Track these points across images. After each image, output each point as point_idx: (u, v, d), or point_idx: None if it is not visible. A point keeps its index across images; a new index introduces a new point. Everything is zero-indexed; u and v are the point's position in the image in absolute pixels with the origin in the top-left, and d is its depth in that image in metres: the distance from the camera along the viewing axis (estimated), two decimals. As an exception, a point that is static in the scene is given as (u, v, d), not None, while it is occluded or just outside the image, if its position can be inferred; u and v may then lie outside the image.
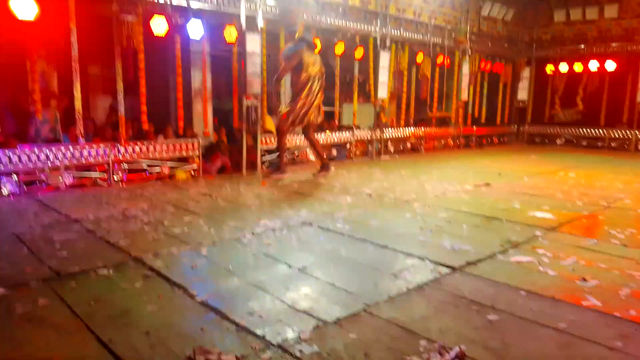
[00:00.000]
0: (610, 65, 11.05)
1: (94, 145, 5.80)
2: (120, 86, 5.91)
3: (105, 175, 5.85)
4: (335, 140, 8.63)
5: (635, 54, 10.82)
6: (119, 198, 5.16)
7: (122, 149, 5.94)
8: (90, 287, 2.74)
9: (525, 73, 12.57)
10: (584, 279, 2.89)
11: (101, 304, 2.50)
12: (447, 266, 3.12)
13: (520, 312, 2.44)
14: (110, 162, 5.84)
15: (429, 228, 4.08)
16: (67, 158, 5.53)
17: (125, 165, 6.00)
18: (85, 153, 5.68)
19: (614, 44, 11.15)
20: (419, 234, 3.92)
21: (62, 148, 5.54)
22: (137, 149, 6.08)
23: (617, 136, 11.39)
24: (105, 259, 3.15)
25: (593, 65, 11.29)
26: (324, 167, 6.67)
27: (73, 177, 5.62)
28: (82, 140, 5.70)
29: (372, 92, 9.06)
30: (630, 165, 8.54)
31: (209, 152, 7.15)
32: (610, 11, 11.04)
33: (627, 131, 11.17)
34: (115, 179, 5.91)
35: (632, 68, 10.92)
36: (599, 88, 11.70)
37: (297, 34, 6.51)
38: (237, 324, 2.28)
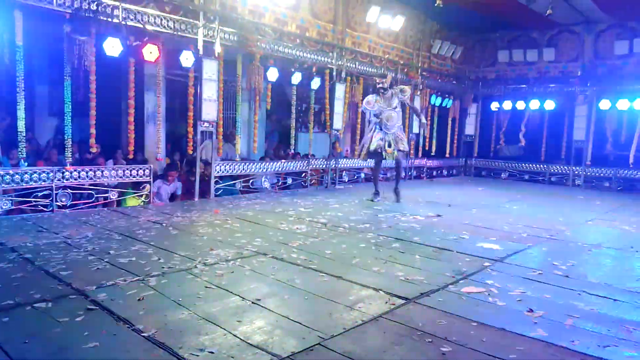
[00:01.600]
0: (549, 105, 11.85)
1: (37, 169, 5.50)
2: (68, 108, 5.67)
3: (47, 201, 5.53)
4: (291, 169, 8.65)
5: (571, 94, 11.66)
6: (62, 225, 4.89)
7: (67, 173, 5.67)
8: (25, 322, 2.54)
9: (472, 109, 13.22)
10: (531, 310, 2.99)
11: (37, 341, 2.32)
12: (401, 297, 3.14)
13: (472, 344, 2.48)
14: (54, 186, 5.55)
15: (383, 258, 4.12)
16: (5, 182, 5.20)
17: (70, 191, 5.71)
18: (27, 176, 5.36)
19: (552, 85, 11.99)
20: (373, 264, 3.94)
21: (1, 171, 5.21)
22: (83, 173, 5.81)
23: (556, 171, 12.11)
24: (43, 291, 2.95)
25: (534, 103, 12.05)
26: (376, 194, 7.59)
27: (12, 201, 5.28)
28: (23, 163, 5.39)
29: (328, 122, 9.21)
30: (569, 199, 9.07)
31: (165, 170, 6.97)
32: (548, 54, 11.91)
33: (565, 167, 11.91)
34: (59, 205, 5.60)
35: (568, 108, 11.75)
36: (540, 126, 12.46)
37: (384, 84, 7.27)
38: (186, 361, 2.17)
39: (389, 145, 7.09)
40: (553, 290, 3.43)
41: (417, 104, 11.22)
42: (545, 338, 2.58)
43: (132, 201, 6.32)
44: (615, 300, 3.28)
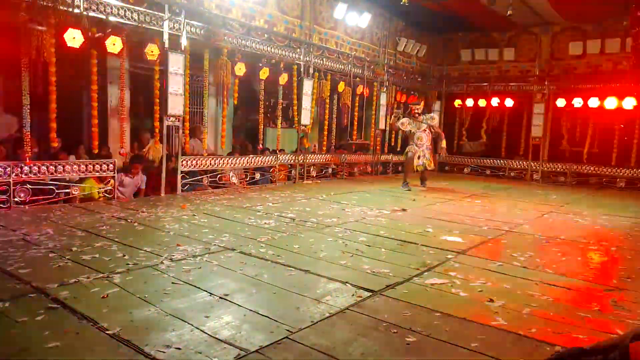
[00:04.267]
0: (509, 102, 12.26)
1: (-8, 163, 5.27)
2: (26, 100, 5.44)
3: (4, 197, 5.31)
4: (259, 164, 8.61)
5: (529, 93, 12.11)
6: (20, 221, 4.71)
7: (26, 168, 5.46)
8: (-18, 322, 2.45)
9: (436, 106, 13.51)
10: (491, 300, 3.12)
11: (-6, 342, 2.24)
12: (368, 290, 3.21)
13: (436, 334, 2.56)
14: (11, 182, 5.33)
15: (349, 252, 4.18)
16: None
17: (29, 186, 5.50)
18: (-20, 171, 5.14)
19: (512, 84, 12.41)
20: (341, 257, 4.00)
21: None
22: (43, 168, 5.61)
23: (515, 167, 12.56)
24: (1, 291, 2.84)
25: (495, 101, 12.44)
26: (405, 184, 8.96)
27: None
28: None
29: (296, 118, 9.21)
30: (527, 193, 9.44)
31: (131, 162, 6.81)
32: (508, 54, 12.33)
33: (524, 162, 12.37)
34: (17, 201, 5.39)
35: (527, 106, 12.20)
36: (500, 122, 12.88)
37: (419, 110, 8.96)
38: (152, 358, 2.16)
39: (419, 158, 8.75)
40: (512, 281, 3.58)
41: (383, 100, 11.41)
42: (505, 326, 2.70)
43: (95, 196, 6.14)
44: (569, 289, 3.46)
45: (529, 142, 12.18)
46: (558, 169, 11.94)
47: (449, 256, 4.22)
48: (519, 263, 4.11)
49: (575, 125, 11.89)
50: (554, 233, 5.49)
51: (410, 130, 8.98)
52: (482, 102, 12.70)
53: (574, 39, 11.34)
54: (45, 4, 5.28)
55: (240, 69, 7.74)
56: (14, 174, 5.35)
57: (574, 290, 3.45)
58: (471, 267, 3.90)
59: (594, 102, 10.94)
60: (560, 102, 11.46)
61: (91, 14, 5.73)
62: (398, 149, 12.42)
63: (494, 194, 9.11)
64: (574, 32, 11.38)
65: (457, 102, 13.20)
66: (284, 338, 2.43)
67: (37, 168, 5.56)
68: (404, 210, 6.57)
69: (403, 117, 9.27)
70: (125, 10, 6.09)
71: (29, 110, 5.46)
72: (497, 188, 10.13)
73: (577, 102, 11.18)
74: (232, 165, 8.10)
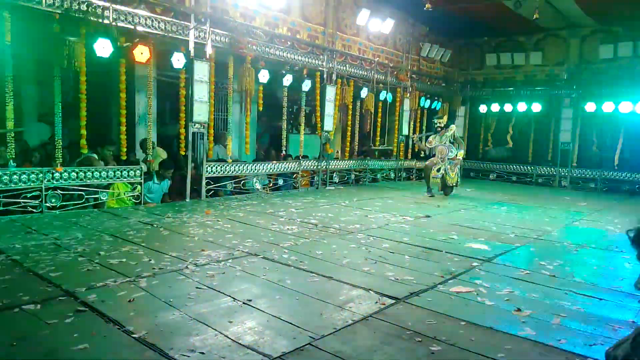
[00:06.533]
0: (536, 107, 12.00)
1: (26, 170, 5.45)
2: (58, 109, 5.62)
3: (37, 202, 5.48)
4: (282, 170, 8.66)
5: (557, 97, 11.83)
6: (52, 226, 4.85)
7: (57, 174, 5.62)
8: (14, 324, 2.53)
9: (461, 111, 13.34)
10: (519, 309, 3.04)
11: (25, 344, 2.31)
12: (391, 297, 3.18)
13: (461, 343, 2.51)
14: (43, 187, 5.50)
15: (373, 258, 4.15)
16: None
17: (60, 192, 5.66)
18: (16, 177, 5.31)
19: (538, 88, 12.15)
20: (364, 264, 3.97)
21: (-12, 172, 5.16)
22: (73, 174, 5.77)
23: (543, 172, 12.27)
24: (32, 293, 2.93)
25: (521, 106, 12.20)
26: (429, 190, 8.90)
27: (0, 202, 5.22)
28: (12, 164, 5.34)
29: (319, 124, 9.24)
30: (555, 200, 9.20)
31: (162, 167, 6.97)
32: (535, 58, 12.08)
33: (552, 168, 12.07)
34: (49, 206, 5.55)
35: (554, 111, 11.92)
36: (527, 128, 12.62)
37: (442, 124, 8.91)
38: (178, 362, 2.18)
39: (438, 170, 8.68)
40: (540, 290, 3.48)
41: (406, 106, 11.34)
42: (533, 337, 2.63)
43: (122, 202, 6.28)
44: (600, 299, 3.35)
45: (557, 147, 11.89)
46: (587, 175, 11.61)
47: (475, 264, 4.14)
48: (547, 272, 4.00)
49: (605, 130, 11.55)
50: (583, 241, 5.33)
51: (435, 147, 9.02)
52: (507, 107, 12.48)
53: (604, 41, 11.04)
54: (77, 15, 5.46)
55: (264, 76, 7.82)
56: (46, 179, 5.52)
57: (605, 301, 3.33)
58: (497, 275, 3.82)
59: (625, 107, 10.60)
60: (590, 107, 11.15)
61: (120, 24, 5.89)
62: (421, 155, 12.31)
63: (521, 200, 8.91)
64: (605, 34, 11.09)
65: (482, 108, 13.00)
66: (306, 344, 2.42)
67: (67, 174, 5.72)
68: (427, 216, 6.49)
69: (426, 136, 9.33)
70: (152, 20, 6.24)
71: (60, 118, 5.63)
72: (524, 194, 9.91)
73: (608, 106, 10.85)
74: (256, 171, 8.16)
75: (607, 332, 2.76)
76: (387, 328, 2.69)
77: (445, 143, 8.83)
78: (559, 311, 3.06)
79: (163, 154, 7.48)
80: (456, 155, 8.83)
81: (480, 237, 5.29)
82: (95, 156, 6.34)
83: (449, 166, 8.74)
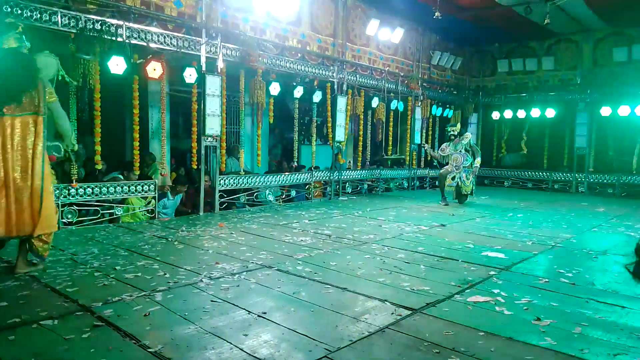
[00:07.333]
0: (550, 113, 11.88)
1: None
2: (74, 126, 5.71)
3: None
4: (295, 181, 8.68)
5: (571, 102, 11.70)
6: (68, 241, 4.90)
7: (72, 190, 5.70)
8: (31, 340, 2.54)
9: (473, 119, 13.27)
10: (538, 319, 2.98)
11: (43, 359, 2.32)
12: (407, 308, 3.13)
13: (480, 354, 2.46)
14: (59, 203, 5.57)
15: (388, 269, 4.11)
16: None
17: (76, 207, 5.74)
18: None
19: (552, 93, 12.04)
20: (379, 275, 3.93)
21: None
22: (89, 190, 5.85)
23: (559, 179, 12.10)
24: (49, 309, 2.95)
25: (535, 112, 12.09)
26: (443, 199, 8.89)
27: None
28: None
29: (330, 135, 9.26)
30: (572, 206, 9.04)
31: (177, 183, 7.02)
32: (547, 63, 11.98)
33: (568, 174, 11.90)
34: (65, 222, 5.62)
35: (569, 115, 11.78)
36: (541, 133, 12.48)
37: (455, 132, 8.90)
38: (194, 376, 2.17)
39: (453, 179, 8.68)
40: (560, 299, 3.41)
41: (417, 114, 11.32)
42: (554, 347, 2.57)
43: (137, 217, 6.34)
44: (623, 307, 3.26)
45: (573, 152, 11.72)
46: (605, 180, 11.41)
47: (492, 272, 4.08)
48: (567, 279, 3.92)
49: (622, 134, 11.36)
50: (603, 247, 5.22)
51: (448, 155, 9.03)
52: (521, 113, 12.38)
53: (618, 44, 10.91)
54: (91, 34, 5.57)
55: (275, 89, 7.89)
56: (62, 195, 5.60)
57: (628, 309, 3.24)
58: (516, 284, 3.75)
59: (642, 110, 10.43)
60: (605, 111, 10.99)
61: (133, 41, 6.01)
62: (435, 163, 12.25)
63: (537, 207, 8.78)
64: (618, 37, 10.96)
65: (495, 114, 12.91)
66: (322, 357, 2.40)
67: (83, 190, 5.80)
68: (442, 225, 6.43)
69: (438, 145, 9.28)
70: (165, 37, 6.34)
71: (76, 136, 5.72)
72: (541, 201, 9.76)
73: (624, 109, 10.69)
74: (268, 183, 8.19)
75: (632, 341, 2.68)
76: (404, 339, 2.65)
77: (460, 151, 8.80)
78: (580, 320, 2.98)
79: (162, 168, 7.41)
80: (471, 163, 8.76)
81: (497, 245, 5.21)
82: (121, 177, 6.43)
83: (464, 174, 8.71)
